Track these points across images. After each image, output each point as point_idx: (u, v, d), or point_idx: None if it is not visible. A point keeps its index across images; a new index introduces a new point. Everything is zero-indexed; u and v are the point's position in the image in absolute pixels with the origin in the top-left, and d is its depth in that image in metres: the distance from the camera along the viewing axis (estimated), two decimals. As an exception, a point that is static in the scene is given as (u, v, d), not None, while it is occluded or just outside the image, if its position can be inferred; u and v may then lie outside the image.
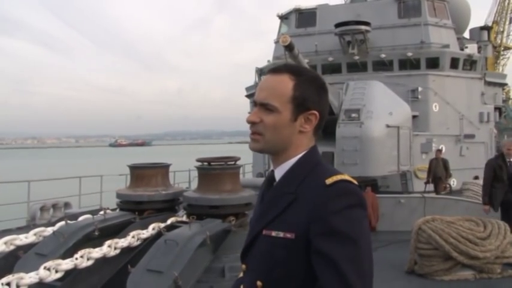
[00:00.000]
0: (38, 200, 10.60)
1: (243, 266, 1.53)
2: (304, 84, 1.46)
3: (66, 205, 10.51)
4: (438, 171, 13.11)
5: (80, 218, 4.98)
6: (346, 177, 1.38)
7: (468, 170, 14.84)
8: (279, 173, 1.50)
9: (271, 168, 1.57)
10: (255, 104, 1.51)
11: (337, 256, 1.25)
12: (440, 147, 13.53)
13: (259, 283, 1.41)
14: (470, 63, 15.54)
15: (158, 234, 4.57)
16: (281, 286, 1.38)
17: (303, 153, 1.48)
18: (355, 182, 1.39)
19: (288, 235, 1.35)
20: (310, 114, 1.46)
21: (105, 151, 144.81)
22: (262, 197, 1.56)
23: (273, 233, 1.39)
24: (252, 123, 1.48)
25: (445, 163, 13.15)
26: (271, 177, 1.54)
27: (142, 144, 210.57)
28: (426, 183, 13.01)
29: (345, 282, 1.23)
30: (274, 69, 1.51)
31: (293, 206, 1.38)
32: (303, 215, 1.34)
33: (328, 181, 1.35)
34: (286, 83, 1.46)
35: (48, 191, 12.30)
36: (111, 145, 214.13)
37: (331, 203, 1.31)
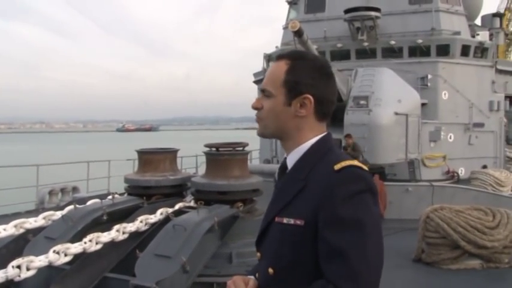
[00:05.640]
0: (46, 184, 10.68)
1: (258, 254, 1.54)
2: (297, 68, 1.47)
3: (75, 189, 10.60)
4: None
5: (89, 202, 4.99)
6: (355, 162, 1.38)
7: (477, 159, 14.74)
8: (291, 159, 1.51)
9: (284, 155, 1.57)
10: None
11: (343, 244, 1.26)
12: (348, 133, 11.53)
13: (270, 270, 1.42)
14: (482, 50, 15.31)
15: (166, 219, 4.58)
16: (292, 273, 1.38)
17: (316, 140, 1.48)
18: (364, 167, 1.38)
19: (298, 222, 1.36)
20: (304, 98, 1.46)
21: (113, 136, 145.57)
22: (276, 185, 1.57)
23: (284, 220, 1.40)
24: (256, 109, 1.52)
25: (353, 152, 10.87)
26: (283, 165, 1.55)
27: (149, 130, 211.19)
28: None
29: (349, 271, 1.24)
30: (277, 56, 1.54)
31: (303, 192, 1.39)
32: (311, 201, 1.34)
33: (337, 167, 1.35)
34: (281, 68, 1.48)
35: (57, 175, 12.38)
36: (119, 130, 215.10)
37: (339, 189, 1.31)
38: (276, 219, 1.43)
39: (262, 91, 1.52)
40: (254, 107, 1.53)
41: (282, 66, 1.48)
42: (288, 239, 1.38)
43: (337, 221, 1.28)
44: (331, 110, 1.53)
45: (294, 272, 1.37)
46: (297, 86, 1.45)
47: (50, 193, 10.08)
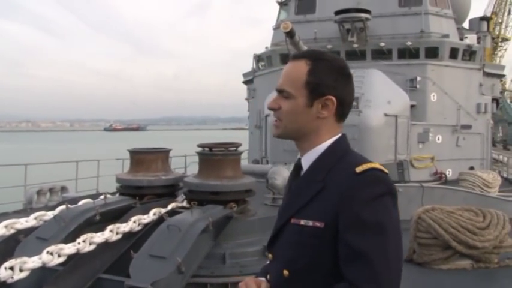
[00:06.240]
0: (34, 183, 10.53)
1: (270, 255, 1.52)
2: (319, 69, 1.44)
3: (63, 189, 10.45)
4: None
5: (80, 203, 4.95)
6: (377, 165, 1.37)
7: (464, 160, 14.86)
8: (306, 161, 1.49)
9: (298, 156, 1.55)
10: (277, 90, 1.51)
11: (365, 247, 1.25)
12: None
13: (285, 272, 1.40)
14: (470, 53, 15.46)
15: (159, 220, 4.56)
16: (308, 275, 1.36)
17: (332, 141, 1.47)
18: (385, 170, 1.37)
19: (317, 224, 1.34)
20: (326, 99, 1.44)
21: (100, 135, 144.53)
22: (289, 186, 1.55)
23: (302, 222, 1.38)
24: (273, 110, 1.49)
25: None
26: (298, 166, 1.53)
27: (137, 129, 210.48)
28: None
29: (371, 274, 1.23)
30: (294, 56, 1.51)
31: (322, 194, 1.37)
32: (332, 203, 1.33)
33: (358, 169, 1.34)
34: (301, 69, 1.45)
35: (45, 175, 12.24)
36: (106, 129, 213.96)
37: (360, 192, 1.30)
38: (292, 220, 1.41)
39: (280, 91, 1.48)
40: (271, 108, 1.50)
41: (302, 66, 1.46)
42: (306, 241, 1.36)
43: (359, 223, 1.28)
44: (349, 111, 1.53)
45: (310, 274, 1.36)
46: (319, 87, 1.44)
47: (38, 193, 9.92)
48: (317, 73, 1.44)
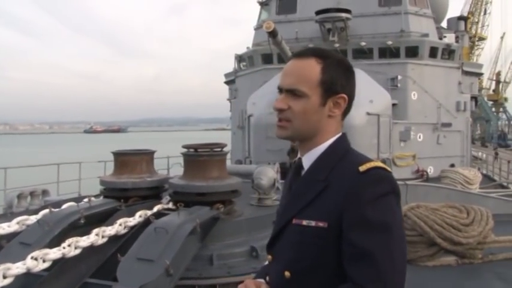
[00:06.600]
0: (14, 187, 10.33)
1: (269, 257, 1.50)
2: (331, 67, 1.42)
3: (45, 192, 10.26)
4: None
5: (64, 206, 4.85)
6: (379, 164, 1.35)
7: (444, 158, 15.09)
8: (307, 160, 1.46)
9: (298, 155, 1.52)
10: (280, 90, 1.46)
11: (370, 246, 1.24)
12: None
13: (287, 273, 1.37)
14: (449, 52, 15.73)
15: (145, 222, 4.50)
16: (310, 276, 1.34)
17: (333, 140, 1.45)
18: (388, 169, 1.36)
19: (321, 224, 1.32)
20: (339, 98, 1.43)
21: (81, 137, 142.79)
22: (289, 186, 1.52)
23: (304, 222, 1.36)
24: (280, 111, 1.44)
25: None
26: (298, 165, 1.50)
27: (117, 131, 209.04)
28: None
29: (376, 273, 1.22)
30: (298, 54, 1.47)
31: (325, 193, 1.35)
32: (335, 203, 1.31)
33: (362, 168, 1.32)
34: (313, 67, 1.41)
35: (25, 178, 12.02)
36: (86, 131, 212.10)
37: (365, 191, 1.29)
38: (294, 221, 1.39)
39: (290, 91, 1.42)
40: (279, 108, 1.44)
41: (314, 65, 1.42)
42: (309, 241, 1.34)
43: (363, 223, 1.26)
44: None
45: (313, 275, 1.34)
46: (334, 86, 1.42)
47: (19, 197, 9.71)
48: (330, 71, 1.42)
